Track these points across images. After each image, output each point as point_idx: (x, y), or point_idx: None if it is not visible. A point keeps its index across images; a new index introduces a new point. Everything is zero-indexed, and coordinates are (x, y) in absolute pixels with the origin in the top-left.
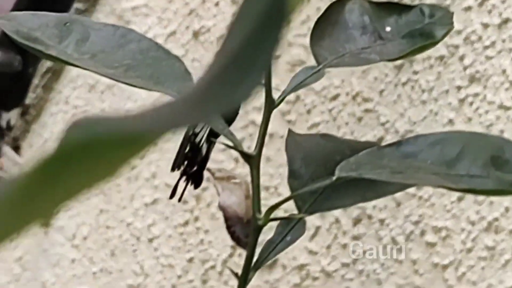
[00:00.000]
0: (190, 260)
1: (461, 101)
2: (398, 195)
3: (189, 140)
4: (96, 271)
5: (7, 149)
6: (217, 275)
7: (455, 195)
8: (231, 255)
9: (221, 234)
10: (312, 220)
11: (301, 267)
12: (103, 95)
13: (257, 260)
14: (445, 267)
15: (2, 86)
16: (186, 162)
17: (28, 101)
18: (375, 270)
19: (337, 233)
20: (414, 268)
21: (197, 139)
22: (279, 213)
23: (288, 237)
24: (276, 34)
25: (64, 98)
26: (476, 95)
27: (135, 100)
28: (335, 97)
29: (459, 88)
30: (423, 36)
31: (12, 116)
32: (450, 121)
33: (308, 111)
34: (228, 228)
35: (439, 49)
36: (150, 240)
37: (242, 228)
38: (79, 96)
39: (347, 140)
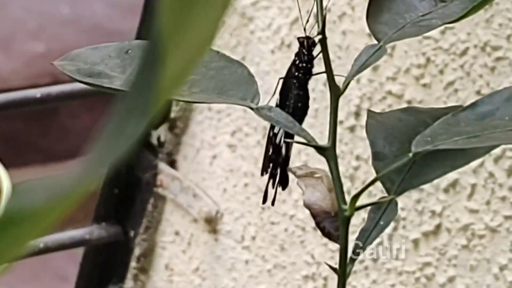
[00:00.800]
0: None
1: None
2: None
3: (271, 142)
4: (271, 268)
5: (163, 166)
6: (386, 251)
7: None
8: (395, 229)
9: None
10: (465, 178)
11: (465, 227)
12: None
13: (353, 252)
14: None
15: None
16: (271, 165)
17: (173, 114)
18: None
19: (493, 187)
20: None
21: (277, 140)
22: (373, 200)
23: (381, 221)
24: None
25: (206, 104)
26: None
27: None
28: (464, 52)
29: None
30: None
31: (161, 132)
32: None
33: (441, 71)
34: (317, 224)
35: None
36: (315, 228)
37: (331, 223)
38: None
39: (429, 109)
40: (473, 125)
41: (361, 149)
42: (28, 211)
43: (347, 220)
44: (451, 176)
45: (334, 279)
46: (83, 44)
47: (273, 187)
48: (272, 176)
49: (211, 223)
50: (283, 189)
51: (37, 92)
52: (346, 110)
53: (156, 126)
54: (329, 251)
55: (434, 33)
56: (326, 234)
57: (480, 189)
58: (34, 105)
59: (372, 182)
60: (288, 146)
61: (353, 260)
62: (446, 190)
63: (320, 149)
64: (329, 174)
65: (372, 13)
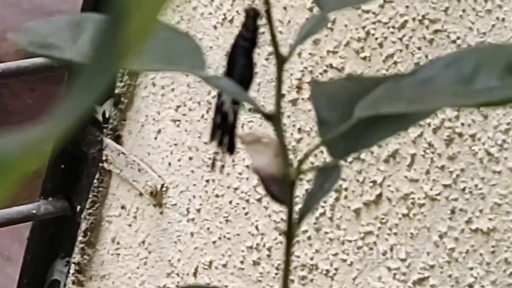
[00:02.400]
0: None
1: None
2: (483, 107)
3: (219, 110)
4: (216, 240)
5: (108, 141)
6: (328, 221)
7: None
8: (337, 199)
9: None
10: (405, 149)
11: (405, 196)
12: None
13: (300, 214)
14: None
15: None
16: (219, 132)
17: (117, 90)
18: (477, 185)
19: (432, 157)
20: None
21: (224, 108)
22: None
23: (326, 184)
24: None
25: (151, 80)
26: None
27: (216, 68)
28: (403, 25)
29: None
30: None
31: (106, 108)
32: None
33: (380, 45)
34: (266, 189)
35: None
36: (259, 200)
37: (278, 187)
38: (164, 76)
39: (372, 76)
40: (414, 90)
41: (303, 122)
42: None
43: (293, 183)
44: (391, 146)
45: (278, 249)
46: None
47: (221, 153)
48: (220, 143)
49: (157, 197)
50: (231, 154)
51: None
52: (288, 83)
53: (101, 102)
54: (273, 222)
55: (374, 7)
56: (273, 197)
57: (419, 159)
58: None
59: (317, 147)
60: (236, 113)
61: (299, 222)
62: (386, 161)
63: (266, 116)
64: (275, 139)
65: None
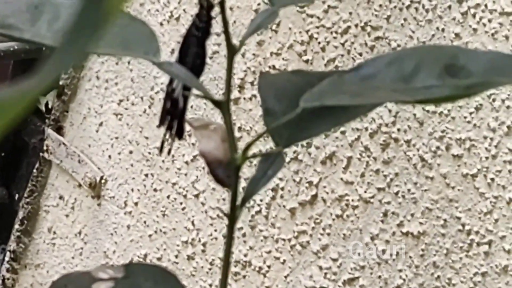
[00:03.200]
0: None
1: (464, 14)
2: (419, 114)
3: (169, 96)
4: (152, 233)
5: (50, 131)
6: (264, 219)
7: (473, 106)
8: (273, 198)
9: None
10: (342, 151)
11: (340, 198)
12: (130, 65)
13: (243, 198)
14: (474, 176)
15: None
16: (169, 117)
17: (61, 82)
18: (410, 190)
19: (368, 161)
20: (445, 182)
21: (175, 94)
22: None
23: (269, 171)
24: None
25: (95, 73)
26: (477, 6)
27: None
28: (346, 31)
29: (460, 2)
30: None
31: (49, 98)
32: (457, 35)
33: (323, 49)
34: (211, 172)
35: None
36: (196, 196)
37: (223, 170)
38: (108, 69)
39: (317, 72)
40: (357, 85)
41: (244, 121)
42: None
43: (238, 168)
44: (329, 148)
45: (213, 245)
46: None
47: (170, 138)
48: (169, 128)
49: (95, 188)
50: (179, 139)
51: None
52: (231, 83)
53: (45, 92)
54: (209, 218)
55: (318, 11)
56: (219, 181)
57: (355, 162)
58: None
59: (261, 134)
60: (186, 99)
61: (242, 205)
62: (323, 162)
63: (215, 103)
64: (223, 126)
65: None
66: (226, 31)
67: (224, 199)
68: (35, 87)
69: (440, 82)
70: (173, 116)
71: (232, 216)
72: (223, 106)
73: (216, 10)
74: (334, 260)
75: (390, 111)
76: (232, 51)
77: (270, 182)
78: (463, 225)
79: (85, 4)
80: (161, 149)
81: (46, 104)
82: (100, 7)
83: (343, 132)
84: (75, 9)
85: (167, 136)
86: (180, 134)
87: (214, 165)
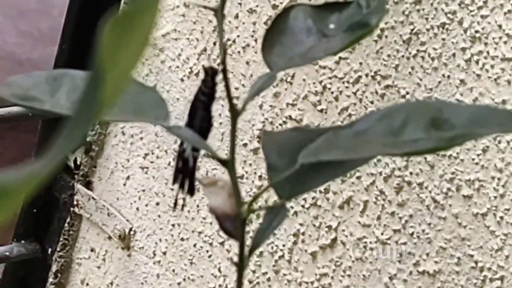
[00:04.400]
0: (260, 254)
1: (468, 61)
2: (430, 158)
3: (180, 156)
4: (180, 281)
5: (79, 187)
6: (287, 263)
7: (480, 148)
8: (295, 243)
9: (282, 226)
10: (358, 196)
11: (358, 240)
12: None
13: (251, 247)
14: (484, 215)
15: None
16: (181, 176)
17: (89, 138)
18: (424, 230)
19: (383, 204)
20: (457, 222)
21: (185, 154)
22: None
23: (274, 222)
24: (88, 119)
25: (120, 129)
26: (480, 53)
27: (183, 118)
28: (357, 80)
29: (464, 49)
30: (360, 26)
31: (78, 155)
32: (462, 81)
33: (336, 98)
34: (220, 225)
35: (440, 17)
36: (222, 244)
37: (231, 223)
38: (133, 125)
39: (316, 128)
40: (350, 141)
41: (264, 170)
42: (2, 188)
43: (244, 221)
44: (346, 193)
45: None
46: None
47: (182, 194)
48: (182, 185)
49: (125, 240)
50: (191, 196)
51: None
52: (250, 133)
53: (73, 149)
54: (235, 265)
55: (330, 63)
56: (228, 233)
57: (371, 205)
58: None
59: (265, 189)
60: (195, 159)
61: (250, 255)
62: (341, 207)
63: (221, 162)
64: (229, 183)
65: (266, 46)
66: (228, 96)
67: (248, 246)
68: (40, 171)
69: (426, 135)
70: (184, 175)
71: (241, 265)
72: (228, 164)
73: (219, 76)
74: None
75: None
76: (235, 113)
77: (291, 227)
78: (476, 262)
79: (83, 98)
80: (175, 205)
81: (75, 161)
82: (95, 99)
83: (358, 177)
84: (78, 99)
85: (180, 193)
86: (191, 192)
87: (223, 219)
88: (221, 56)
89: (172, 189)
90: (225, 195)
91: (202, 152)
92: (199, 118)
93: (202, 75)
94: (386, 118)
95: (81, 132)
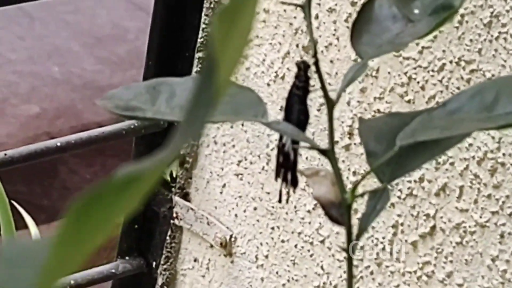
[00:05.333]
0: (361, 248)
1: None
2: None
3: (281, 151)
4: (285, 282)
5: (177, 199)
6: (388, 255)
7: None
8: (394, 234)
9: (381, 218)
10: (453, 182)
11: (457, 226)
12: (244, 127)
13: (358, 232)
14: None
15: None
16: (283, 170)
17: (182, 151)
18: None
19: (479, 187)
20: None
21: (285, 149)
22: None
23: (378, 206)
24: (206, 111)
25: (212, 139)
26: None
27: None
28: (441, 68)
29: None
30: (445, 8)
31: (173, 168)
32: None
33: (422, 87)
34: (326, 213)
35: None
36: (322, 242)
37: (337, 210)
38: (224, 134)
39: (410, 112)
40: (444, 120)
41: (357, 165)
42: (135, 174)
43: (349, 206)
44: (440, 181)
45: (343, 286)
46: (76, 102)
47: (285, 188)
48: (285, 180)
49: (226, 247)
50: (294, 189)
51: (56, 142)
52: (340, 131)
53: (169, 164)
54: (337, 261)
55: (413, 53)
56: (334, 220)
57: (467, 190)
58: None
59: (366, 174)
60: (296, 152)
61: (358, 239)
62: (437, 194)
63: (322, 152)
64: (331, 171)
65: (355, 36)
66: (323, 87)
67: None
68: (168, 157)
69: None
70: (286, 169)
71: (349, 250)
72: (328, 153)
73: (312, 70)
74: (460, 285)
75: (493, 138)
76: (330, 103)
77: (389, 219)
78: None
79: (200, 84)
80: (280, 199)
81: (171, 174)
82: (212, 86)
83: (452, 164)
84: (192, 89)
85: (284, 187)
86: (294, 184)
87: (328, 207)
88: (313, 49)
89: (268, 193)
90: (328, 183)
91: (302, 144)
92: (296, 112)
93: (289, 78)
94: (477, 95)
95: (202, 120)
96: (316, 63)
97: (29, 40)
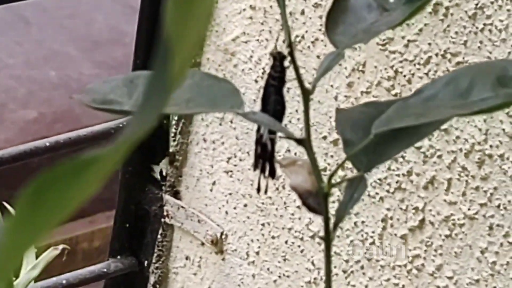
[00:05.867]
0: (351, 243)
1: None
2: (508, 129)
3: (258, 142)
4: (276, 278)
5: (168, 197)
6: (378, 249)
7: None
8: (384, 228)
9: (370, 213)
10: (441, 174)
11: (446, 219)
12: (233, 124)
13: (335, 221)
14: None
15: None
16: (261, 160)
17: (172, 149)
18: (510, 201)
19: (467, 180)
20: None
21: (263, 139)
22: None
23: (355, 195)
24: (160, 100)
25: (201, 137)
26: None
27: None
28: (427, 61)
29: None
30: None
31: (163, 166)
32: None
33: (409, 81)
34: (304, 202)
35: None
36: (312, 237)
37: (314, 199)
38: (213, 131)
39: (385, 101)
40: (420, 107)
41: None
42: (91, 158)
43: (326, 195)
44: (429, 174)
45: (334, 281)
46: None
47: (264, 178)
48: (263, 170)
49: (217, 244)
50: (272, 178)
51: (45, 142)
52: (328, 125)
53: (158, 161)
54: (321, 239)
55: (399, 47)
56: (311, 209)
57: (455, 183)
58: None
59: (343, 163)
60: (273, 142)
61: (335, 228)
62: (425, 187)
63: (298, 141)
64: (307, 161)
65: (330, 26)
66: (298, 77)
67: (338, 236)
68: (123, 142)
69: (494, 93)
70: (264, 159)
71: (327, 239)
72: (304, 143)
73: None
74: (450, 278)
75: (480, 129)
76: (306, 94)
77: (378, 213)
78: None
79: (154, 71)
80: (258, 189)
81: (161, 172)
82: (166, 73)
83: (439, 156)
84: (147, 79)
85: (262, 178)
86: (272, 174)
87: (305, 196)
88: (287, 40)
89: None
90: (305, 172)
91: (278, 135)
92: (273, 103)
93: (270, 61)
94: (452, 82)
95: (156, 107)
96: (291, 53)
97: (26, 45)
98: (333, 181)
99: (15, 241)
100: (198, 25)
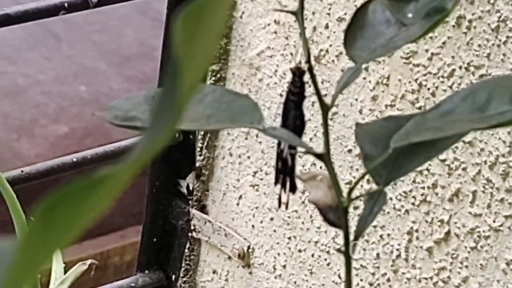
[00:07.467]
0: (377, 256)
1: None
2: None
3: (279, 157)
4: None
5: (195, 211)
6: (404, 262)
7: None
8: (409, 241)
9: (396, 225)
10: (466, 187)
11: (471, 231)
12: (258, 138)
13: (355, 235)
14: None
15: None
16: (282, 175)
17: (198, 163)
18: None
19: (492, 192)
20: None
21: (283, 155)
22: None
23: (375, 208)
24: (169, 118)
25: (228, 151)
26: None
27: None
28: (451, 74)
29: None
30: (437, 11)
31: (189, 181)
32: None
33: (433, 94)
34: (323, 216)
35: None
36: (338, 250)
37: (334, 213)
38: (239, 145)
39: (405, 115)
40: (438, 121)
41: None
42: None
43: (346, 209)
44: (453, 186)
45: None
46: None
47: (285, 193)
48: (283, 184)
49: (244, 258)
50: (293, 193)
51: (72, 157)
52: (353, 139)
53: (184, 176)
54: (354, 270)
55: (423, 60)
56: (331, 223)
57: (480, 195)
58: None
59: (362, 177)
60: (293, 157)
61: (355, 242)
62: (450, 200)
63: (317, 156)
64: (328, 175)
65: (349, 41)
66: (317, 92)
67: (364, 249)
68: (135, 160)
69: (511, 107)
70: (285, 174)
71: (347, 253)
72: (324, 157)
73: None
74: None
75: (504, 142)
76: (325, 108)
77: (404, 226)
78: None
79: (164, 88)
80: (279, 204)
81: (187, 187)
82: (176, 90)
83: (464, 169)
84: (156, 98)
85: (283, 193)
86: (293, 189)
87: (325, 210)
88: (306, 55)
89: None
90: (325, 187)
91: (299, 150)
92: (292, 118)
93: (289, 77)
94: (470, 96)
95: (167, 124)
96: (310, 69)
97: (56, 61)
98: (353, 195)
99: (28, 258)
100: (207, 44)
